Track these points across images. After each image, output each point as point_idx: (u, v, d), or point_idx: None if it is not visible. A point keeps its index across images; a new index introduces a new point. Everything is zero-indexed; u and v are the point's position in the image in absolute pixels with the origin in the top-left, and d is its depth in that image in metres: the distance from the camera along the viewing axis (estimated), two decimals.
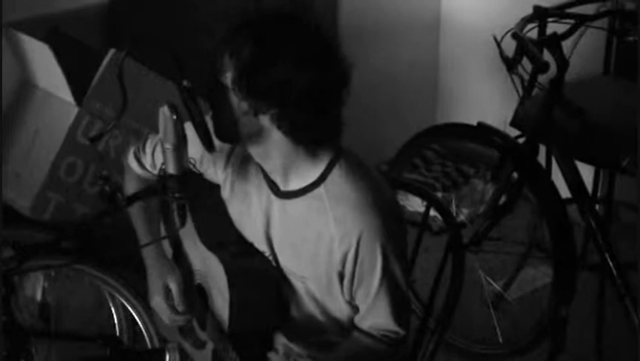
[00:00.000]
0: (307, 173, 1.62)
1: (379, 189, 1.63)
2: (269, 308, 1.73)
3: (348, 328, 1.73)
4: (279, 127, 1.54)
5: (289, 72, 1.49)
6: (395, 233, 1.62)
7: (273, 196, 1.68)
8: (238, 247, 1.74)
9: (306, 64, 1.50)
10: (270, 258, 1.72)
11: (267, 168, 1.66)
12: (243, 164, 1.72)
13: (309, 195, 1.63)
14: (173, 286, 1.85)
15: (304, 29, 1.53)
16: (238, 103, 1.53)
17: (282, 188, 1.66)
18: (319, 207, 1.61)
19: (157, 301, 1.89)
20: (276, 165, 1.62)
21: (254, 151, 1.62)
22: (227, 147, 1.71)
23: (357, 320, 1.71)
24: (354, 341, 1.71)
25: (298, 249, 1.66)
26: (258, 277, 1.72)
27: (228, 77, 1.51)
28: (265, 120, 1.53)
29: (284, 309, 1.74)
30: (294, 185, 1.64)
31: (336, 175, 1.61)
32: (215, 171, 1.76)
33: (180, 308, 1.86)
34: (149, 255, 1.92)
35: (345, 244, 1.59)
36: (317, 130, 1.57)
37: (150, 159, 1.88)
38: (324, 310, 1.73)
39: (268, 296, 1.73)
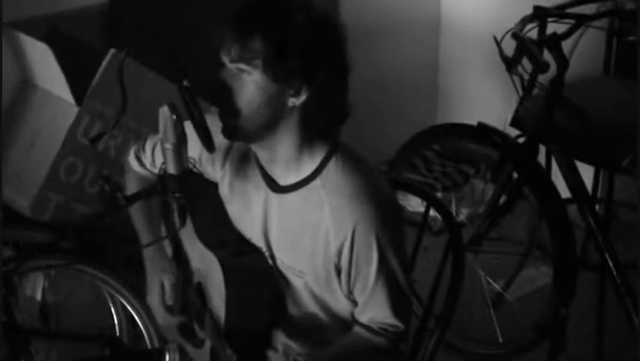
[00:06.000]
0: (305, 166, 1.63)
1: (376, 182, 1.63)
2: (266, 307, 1.74)
3: (349, 325, 1.73)
4: (305, 109, 1.56)
5: (322, 43, 1.53)
6: (391, 225, 1.62)
7: (270, 192, 1.68)
8: (236, 245, 1.74)
9: (335, 34, 1.56)
10: (267, 254, 1.72)
11: (269, 161, 1.66)
12: (240, 162, 1.73)
13: (306, 187, 1.63)
14: (166, 283, 1.86)
15: (318, 8, 1.57)
16: (265, 87, 1.53)
17: (281, 182, 1.66)
18: (315, 200, 1.62)
19: (152, 299, 1.91)
20: (281, 157, 1.62)
21: (260, 144, 1.63)
22: (225, 145, 1.72)
23: (356, 313, 1.71)
24: (352, 335, 1.71)
25: (295, 243, 1.66)
26: (255, 275, 1.73)
27: (257, 62, 1.51)
28: (292, 101, 1.55)
29: (281, 307, 1.74)
30: (292, 178, 1.65)
31: (333, 168, 1.62)
32: (213, 169, 1.77)
33: (170, 303, 1.86)
34: (147, 252, 1.92)
35: (341, 235, 1.60)
36: (339, 108, 1.60)
37: (150, 158, 1.88)
38: (325, 307, 1.73)
39: (265, 295, 1.73)
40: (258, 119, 1.56)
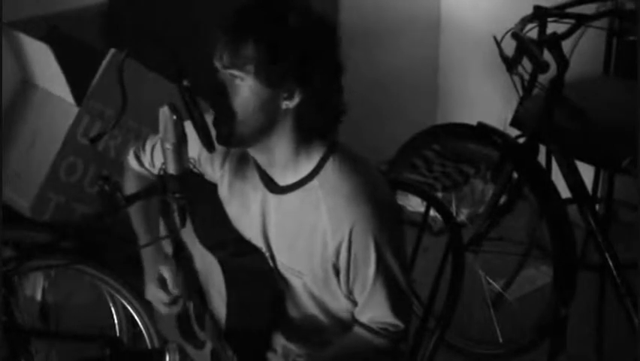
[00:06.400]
0: (303, 167, 1.63)
1: (374, 182, 1.63)
2: (266, 307, 1.73)
3: (349, 326, 1.73)
4: (299, 111, 1.56)
5: (315, 45, 1.53)
6: (389, 225, 1.62)
7: (268, 193, 1.68)
8: (236, 246, 1.74)
9: (328, 35, 1.56)
10: (267, 255, 1.72)
11: (267, 163, 1.66)
12: (239, 163, 1.73)
13: (303, 188, 1.63)
14: (166, 273, 1.84)
15: (311, 10, 1.57)
16: (259, 92, 1.53)
17: (280, 183, 1.66)
18: (313, 200, 1.62)
19: (151, 290, 1.88)
20: (279, 159, 1.62)
21: (257, 148, 1.63)
22: None
23: (356, 313, 1.71)
24: (352, 335, 1.71)
25: (293, 243, 1.66)
26: (255, 276, 1.73)
27: (249, 68, 1.51)
28: (286, 104, 1.55)
29: (281, 308, 1.74)
30: (290, 179, 1.65)
31: (330, 168, 1.62)
32: (212, 169, 1.77)
33: (175, 292, 1.85)
34: (145, 252, 1.92)
35: (338, 235, 1.60)
36: (334, 108, 1.60)
37: (149, 158, 1.88)
38: (324, 309, 1.73)
39: (265, 295, 1.73)
40: (252, 123, 1.56)
